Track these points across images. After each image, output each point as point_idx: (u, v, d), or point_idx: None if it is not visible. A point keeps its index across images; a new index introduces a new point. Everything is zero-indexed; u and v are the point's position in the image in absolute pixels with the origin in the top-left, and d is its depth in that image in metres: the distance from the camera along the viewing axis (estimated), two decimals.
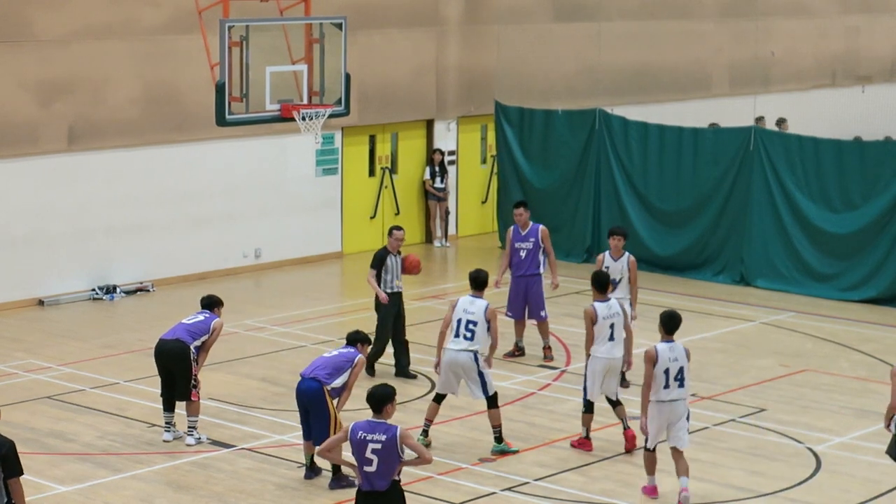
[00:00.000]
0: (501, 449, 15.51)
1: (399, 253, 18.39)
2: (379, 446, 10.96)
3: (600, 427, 16.33)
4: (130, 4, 23.06)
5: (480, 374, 15.40)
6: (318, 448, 11.29)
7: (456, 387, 15.63)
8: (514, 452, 15.50)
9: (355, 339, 15.01)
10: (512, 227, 19.54)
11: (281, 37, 17.90)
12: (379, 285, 18.25)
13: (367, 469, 11.00)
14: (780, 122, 28.54)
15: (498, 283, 19.33)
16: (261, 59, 17.52)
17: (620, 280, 17.93)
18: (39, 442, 15.76)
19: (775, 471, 15.04)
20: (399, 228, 18.45)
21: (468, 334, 15.38)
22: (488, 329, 15.44)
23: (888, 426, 13.22)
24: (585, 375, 15.59)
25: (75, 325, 21.23)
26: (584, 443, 15.67)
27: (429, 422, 15.73)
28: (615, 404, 15.69)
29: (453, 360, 15.43)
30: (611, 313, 15.49)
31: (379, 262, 18.28)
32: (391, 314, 18.29)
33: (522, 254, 19.23)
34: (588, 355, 15.55)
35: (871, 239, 22.75)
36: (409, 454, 11.12)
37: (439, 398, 15.77)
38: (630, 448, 15.48)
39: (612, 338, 15.45)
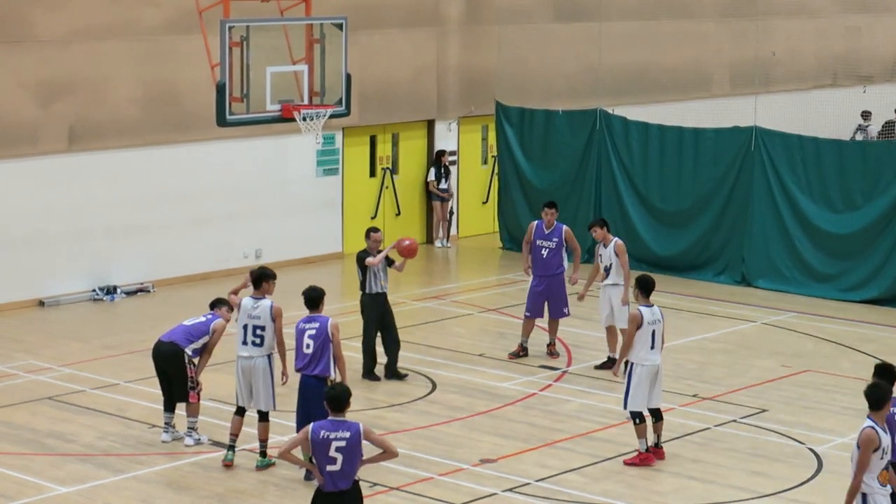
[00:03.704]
0: (266, 463, 14.93)
1: (380, 252, 17.94)
2: (343, 444, 10.97)
3: (602, 427, 16.33)
4: (131, 5, 23.05)
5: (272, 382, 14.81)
6: (278, 453, 11.31)
7: (250, 399, 14.91)
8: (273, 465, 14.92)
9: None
10: (536, 223, 19.39)
11: (281, 37, 17.89)
12: (365, 288, 17.94)
13: (330, 468, 10.99)
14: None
15: (527, 271, 19.28)
16: (261, 60, 17.52)
17: (611, 266, 18.31)
18: (40, 443, 15.75)
19: (777, 471, 15.03)
20: (377, 230, 18.10)
21: (256, 340, 14.79)
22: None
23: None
24: (628, 384, 15.04)
25: (76, 325, 21.22)
26: (646, 457, 15.10)
27: (234, 436, 15.03)
28: (659, 417, 15.25)
29: (245, 368, 14.80)
30: (654, 319, 15.09)
31: (362, 262, 17.93)
32: (374, 316, 18.03)
33: (544, 252, 19.11)
34: (627, 362, 15.14)
35: (873, 239, 22.74)
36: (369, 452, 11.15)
37: (241, 411, 15.03)
38: (651, 461, 15.24)
39: (653, 346, 15.04)
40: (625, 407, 15.13)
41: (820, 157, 23.36)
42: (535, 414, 16.97)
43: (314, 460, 11.09)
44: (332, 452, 10.95)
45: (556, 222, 19.20)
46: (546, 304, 19.17)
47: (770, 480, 14.74)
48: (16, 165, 22.01)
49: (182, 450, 15.51)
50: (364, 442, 11.08)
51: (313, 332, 14.36)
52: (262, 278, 14.98)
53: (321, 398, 14.09)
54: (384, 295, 18.11)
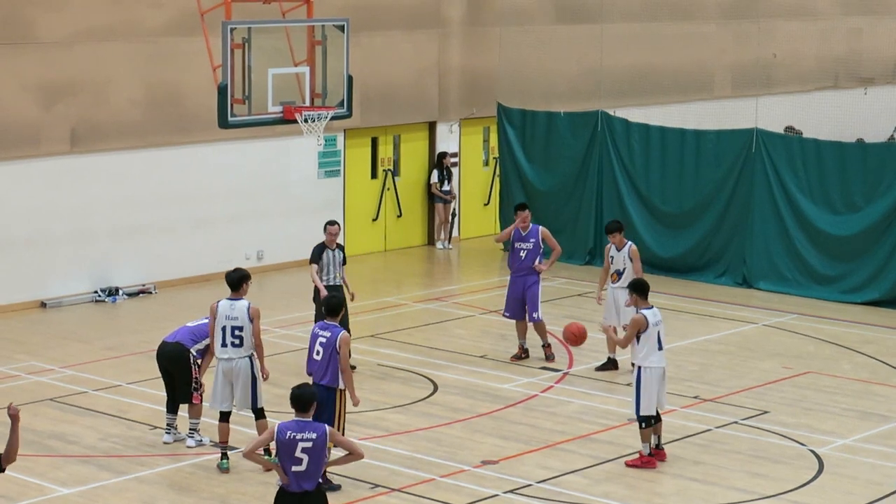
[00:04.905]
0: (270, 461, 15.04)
1: (337, 247, 18.21)
2: (310, 445, 11.00)
3: (603, 429, 16.34)
4: (132, 6, 23.07)
5: (254, 382, 14.78)
6: (243, 451, 11.34)
7: (230, 400, 14.89)
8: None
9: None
10: (516, 230, 19.50)
11: (283, 39, 17.90)
12: (321, 279, 18.15)
13: (296, 469, 11.02)
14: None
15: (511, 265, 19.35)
16: (263, 61, 17.53)
17: (625, 270, 18.34)
18: (41, 444, 15.76)
19: (778, 473, 15.03)
20: (334, 223, 18.36)
21: (236, 340, 14.71)
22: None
23: None
24: (639, 389, 14.96)
25: (77, 327, 21.23)
26: (648, 460, 15.08)
27: (225, 443, 15.00)
28: (658, 418, 15.18)
29: (226, 369, 14.76)
30: (657, 320, 15.08)
31: (317, 256, 18.15)
32: None
33: (522, 254, 19.21)
34: (634, 366, 15.07)
35: (874, 241, 22.74)
36: (334, 454, 11.16)
37: (225, 417, 14.97)
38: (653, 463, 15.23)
39: (660, 347, 15.03)
40: (637, 413, 15.03)
41: (821, 158, 23.37)
42: (537, 415, 16.97)
43: (279, 460, 11.13)
44: (298, 453, 11.00)
45: (531, 224, 19.23)
46: (523, 305, 19.22)
47: (771, 482, 14.74)
48: (18, 167, 22.02)
49: (184, 451, 15.52)
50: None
51: (324, 340, 14.36)
52: (241, 280, 14.99)
53: (329, 407, 14.20)
54: (338, 288, 18.15)
